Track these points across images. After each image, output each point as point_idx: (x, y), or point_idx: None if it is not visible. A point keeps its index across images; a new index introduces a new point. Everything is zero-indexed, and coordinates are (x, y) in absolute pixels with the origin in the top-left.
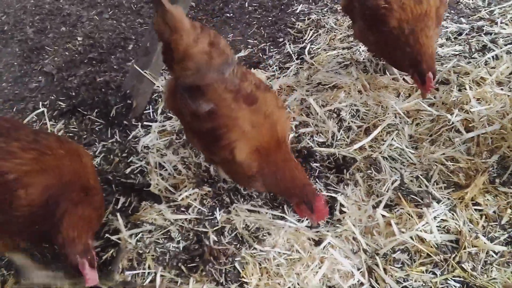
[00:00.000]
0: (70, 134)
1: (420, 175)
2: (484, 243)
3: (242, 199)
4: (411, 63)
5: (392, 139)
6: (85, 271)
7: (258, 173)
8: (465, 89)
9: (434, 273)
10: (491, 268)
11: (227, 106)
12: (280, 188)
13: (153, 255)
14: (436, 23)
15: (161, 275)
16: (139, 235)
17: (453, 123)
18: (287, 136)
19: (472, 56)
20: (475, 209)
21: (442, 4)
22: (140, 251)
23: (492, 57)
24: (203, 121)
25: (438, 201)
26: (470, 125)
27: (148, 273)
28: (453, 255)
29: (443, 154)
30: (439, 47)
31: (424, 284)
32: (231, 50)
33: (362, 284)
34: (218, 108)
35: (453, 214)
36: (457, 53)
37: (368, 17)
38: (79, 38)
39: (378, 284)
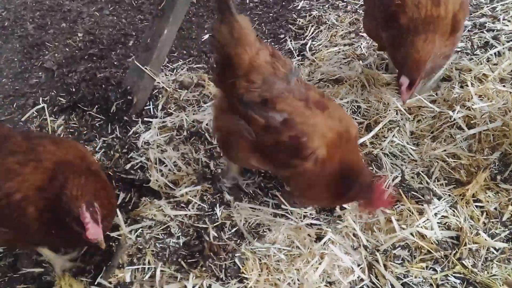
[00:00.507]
0: (71, 130)
1: (421, 171)
2: (485, 239)
3: (245, 197)
4: (398, 64)
5: (393, 135)
6: (86, 221)
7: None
8: (467, 85)
9: (434, 270)
10: (492, 264)
11: (301, 113)
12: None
13: (152, 251)
14: (451, 29)
15: (161, 271)
16: (139, 231)
17: (454, 119)
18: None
19: (474, 53)
20: (476, 206)
21: (461, 9)
22: (140, 247)
23: (495, 53)
24: (279, 133)
25: (439, 198)
26: (471, 121)
27: (148, 268)
28: (454, 252)
29: (445, 150)
30: None
31: (424, 281)
32: (291, 62)
33: (362, 280)
34: (292, 116)
35: (454, 210)
36: (459, 49)
37: (381, 13)
38: (79, 34)
39: (378, 280)
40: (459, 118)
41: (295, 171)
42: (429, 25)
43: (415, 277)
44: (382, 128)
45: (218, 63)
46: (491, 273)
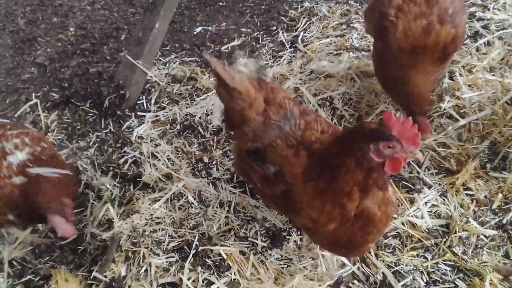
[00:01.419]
0: (64, 125)
1: (412, 161)
2: (475, 227)
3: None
4: (401, 103)
5: None
6: (56, 224)
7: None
8: (456, 76)
9: (425, 257)
10: (482, 252)
11: (290, 163)
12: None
13: (146, 245)
14: (442, 59)
15: (155, 264)
16: (133, 225)
17: (444, 109)
18: None
19: (464, 43)
20: (466, 194)
21: (453, 43)
22: (134, 240)
23: (484, 43)
24: (274, 184)
25: (429, 187)
26: (461, 111)
27: (143, 262)
28: (444, 240)
29: (435, 140)
30: None
31: (415, 268)
32: (290, 102)
33: (353, 270)
34: (283, 167)
35: (444, 199)
36: None
37: (376, 20)
38: (71, 29)
39: (370, 269)
40: (449, 107)
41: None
42: (420, 55)
43: (406, 265)
44: (374, 119)
45: (224, 112)
46: (481, 260)
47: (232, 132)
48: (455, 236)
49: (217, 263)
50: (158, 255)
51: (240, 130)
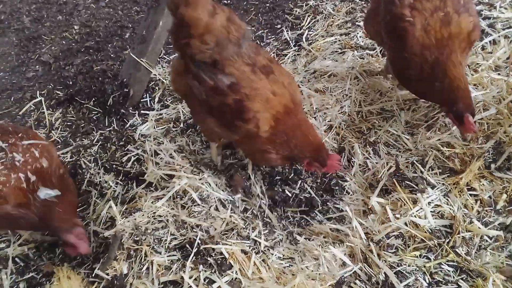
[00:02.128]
0: (68, 123)
1: (416, 161)
2: (479, 227)
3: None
4: (442, 102)
5: (389, 125)
6: (77, 246)
7: (275, 143)
8: None
9: (428, 258)
10: (485, 252)
11: (247, 78)
12: (294, 152)
13: (148, 242)
14: (467, 49)
15: (157, 263)
16: (135, 223)
17: None
18: (301, 102)
19: None
20: (470, 194)
21: (475, 28)
22: (136, 238)
23: (490, 41)
24: (225, 95)
25: (433, 187)
26: None
27: (144, 260)
28: (447, 240)
29: (439, 140)
30: None
31: (417, 269)
32: (246, 26)
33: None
34: (238, 80)
35: (447, 199)
36: None
37: (388, 23)
38: (75, 27)
39: (372, 269)
40: None
41: (243, 134)
42: (446, 47)
43: (409, 265)
44: (378, 118)
45: (174, 23)
46: (484, 261)
47: (179, 46)
48: (458, 237)
49: (219, 261)
50: (160, 253)
51: (201, 40)
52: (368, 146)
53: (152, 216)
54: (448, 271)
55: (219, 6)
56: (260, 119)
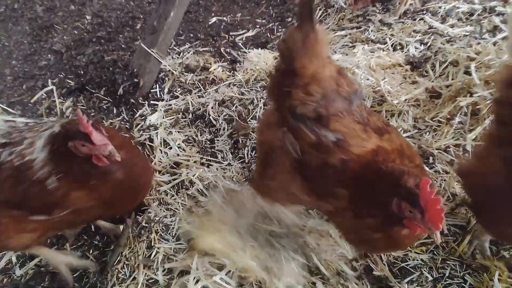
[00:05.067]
0: None
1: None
2: None
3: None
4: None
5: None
6: (89, 130)
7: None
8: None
9: (434, 253)
10: (492, 248)
11: (357, 136)
12: None
13: (156, 230)
14: None
15: (164, 250)
16: (144, 211)
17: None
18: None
19: (483, 37)
20: None
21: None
22: (145, 225)
23: (503, 38)
24: (329, 153)
25: None
26: (477, 107)
27: (152, 246)
28: (458, 241)
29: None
30: (450, 27)
31: (423, 263)
32: (358, 83)
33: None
34: (347, 138)
35: None
36: (467, 34)
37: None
38: (87, 17)
39: (374, 264)
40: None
41: (339, 204)
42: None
43: (413, 260)
44: (385, 114)
45: (279, 69)
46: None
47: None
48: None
49: None
50: (168, 240)
51: (306, 91)
52: None
53: (160, 204)
54: (454, 265)
55: (330, 58)
56: None
